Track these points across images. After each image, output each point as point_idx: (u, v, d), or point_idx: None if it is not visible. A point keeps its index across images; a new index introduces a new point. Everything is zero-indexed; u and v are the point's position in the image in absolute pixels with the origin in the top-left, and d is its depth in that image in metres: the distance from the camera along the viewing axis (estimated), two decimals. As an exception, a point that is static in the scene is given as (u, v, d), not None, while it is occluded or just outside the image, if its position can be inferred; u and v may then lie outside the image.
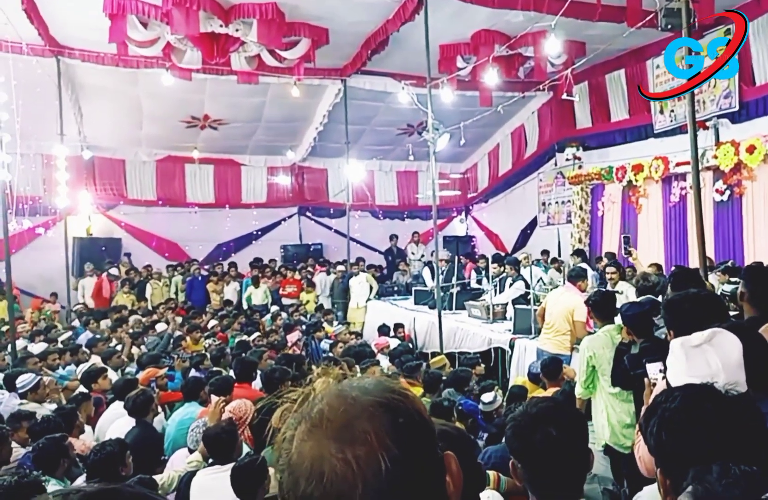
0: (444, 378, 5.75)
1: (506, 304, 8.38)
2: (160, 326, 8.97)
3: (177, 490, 3.60)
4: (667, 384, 1.91)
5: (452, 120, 9.37)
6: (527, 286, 8.06)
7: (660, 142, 10.63)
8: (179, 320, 9.82)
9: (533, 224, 14.22)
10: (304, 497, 0.74)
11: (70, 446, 3.82)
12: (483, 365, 6.80)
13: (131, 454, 3.63)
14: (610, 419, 4.29)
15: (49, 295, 12.08)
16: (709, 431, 1.37)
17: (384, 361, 7.27)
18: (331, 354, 8.02)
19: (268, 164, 15.01)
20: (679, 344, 1.86)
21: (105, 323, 10.00)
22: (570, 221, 12.78)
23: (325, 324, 9.88)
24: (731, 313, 3.52)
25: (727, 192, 9.42)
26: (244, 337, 8.65)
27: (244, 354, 6.81)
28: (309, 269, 13.63)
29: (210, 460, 3.69)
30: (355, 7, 8.66)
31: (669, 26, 6.00)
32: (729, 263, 8.09)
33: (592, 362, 4.38)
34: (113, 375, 6.30)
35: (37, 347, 7.74)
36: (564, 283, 6.90)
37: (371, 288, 11.64)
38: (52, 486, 3.37)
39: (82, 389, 5.80)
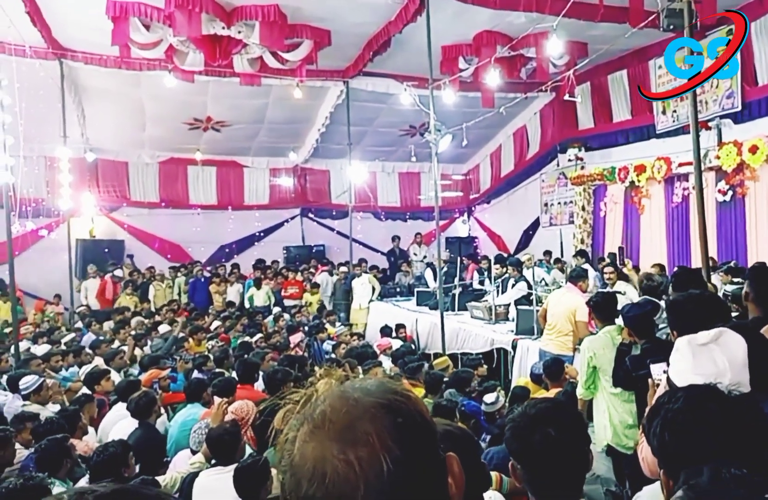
0: (446, 379, 5.75)
1: (509, 305, 8.38)
2: (163, 328, 8.98)
3: (179, 491, 3.61)
4: (668, 381, 1.91)
5: (454, 121, 9.38)
6: (529, 287, 8.05)
7: (662, 142, 10.63)
8: (181, 321, 9.82)
9: (536, 224, 14.21)
10: (306, 498, 0.75)
11: (72, 447, 3.82)
12: (486, 366, 6.79)
13: (134, 455, 3.64)
14: (612, 419, 4.28)
15: (53, 297, 12.11)
16: (712, 432, 1.37)
17: (386, 362, 7.27)
18: (333, 355, 8.02)
19: (271, 165, 15.03)
20: (686, 342, 1.86)
21: (108, 325, 10.02)
22: (572, 222, 12.77)
23: (327, 325, 9.88)
24: (733, 314, 3.51)
25: (730, 192, 9.41)
26: (247, 338, 8.65)
27: (246, 356, 6.81)
28: (311, 270, 13.64)
29: (212, 461, 3.69)
30: (356, 8, 8.67)
31: (671, 27, 6.00)
32: (732, 264, 8.10)
33: (593, 362, 4.38)
34: (116, 377, 6.31)
35: (40, 349, 7.75)
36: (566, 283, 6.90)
37: (374, 289, 11.64)
38: (56, 487, 3.38)
39: (84, 390, 5.81)
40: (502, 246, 15.11)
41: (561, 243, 13.15)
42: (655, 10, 6.82)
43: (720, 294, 5.86)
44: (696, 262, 9.08)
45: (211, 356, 6.94)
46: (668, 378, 1.94)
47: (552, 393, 5.06)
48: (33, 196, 11.57)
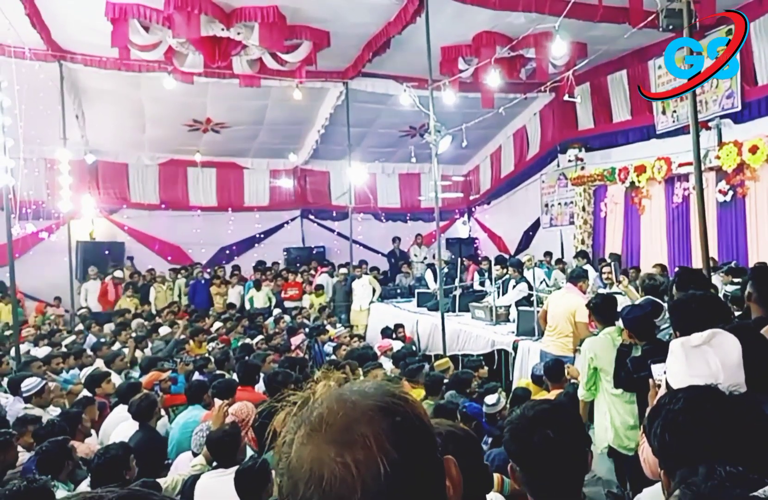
0: (446, 380, 5.74)
1: (509, 306, 8.37)
2: (164, 330, 8.98)
3: (181, 493, 3.61)
4: (666, 384, 1.91)
5: (454, 122, 9.38)
6: (530, 288, 8.05)
7: (662, 142, 10.62)
8: (182, 323, 9.82)
9: (536, 225, 14.21)
10: None
11: (73, 449, 3.82)
12: (486, 368, 6.78)
13: (135, 458, 3.63)
14: (613, 421, 4.27)
15: (53, 299, 12.10)
16: (712, 432, 1.37)
17: (387, 364, 7.27)
18: (334, 357, 8.02)
19: (271, 167, 15.03)
20: (680, 344, 1.86)
21: (108, 327, 10.02)
22: (573, 223, 12.77)
23: (328, 327, 9.88)
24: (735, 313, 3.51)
25: (730, 193, 9.40)
26: (247, 340, 8.65)
27: (247, 357, 6.81)
28: (311, 272, 13.64)
29: (214, 463, 3.69)
30: (356, 9, 8.68)
31: (670, 27, 5.99)
32: (732, 264, 8.09)
33: (593, 363, 4.37)
34: (117, 379, 6.30)
35: (41, 351, 7.75)
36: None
37: (374, 291, 11.64)
38: (58, 490, 3.37)
39: (85, 393, 5.81)
40: (502, 247, 15.11)
41: (561, 244, 13.15)
42: (654, 10, 6.82)
43: (720, 295, 5.87)
44: (696, 262, 9.08)
45: (212, 359, 6.94)
46: (666, 380, 1.94)
47: (553, 394, 5.05)
48: (33, 198, 11.58)
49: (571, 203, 12.84)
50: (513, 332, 7.64)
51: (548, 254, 12.46)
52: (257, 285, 12.26)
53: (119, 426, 4.82)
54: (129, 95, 11.26)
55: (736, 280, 6.66)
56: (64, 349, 8.16)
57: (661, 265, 8.87)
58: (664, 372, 2.88)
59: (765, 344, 1.98)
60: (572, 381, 5.20)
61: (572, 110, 12.67)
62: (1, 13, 7.69)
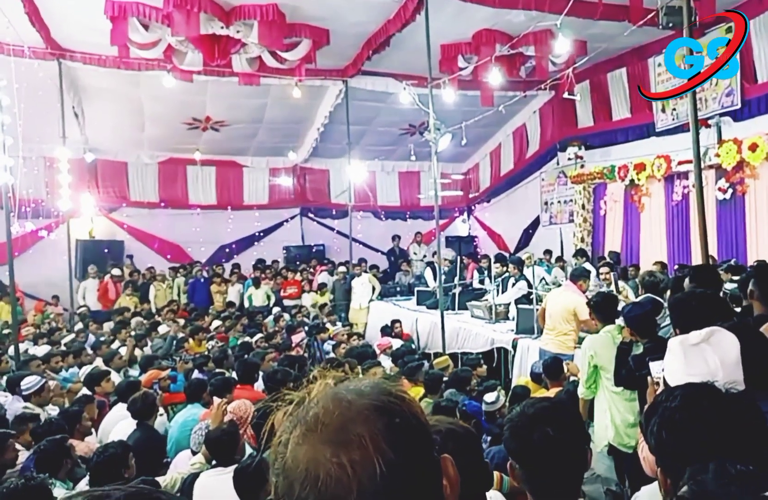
0: (445, 378, 5.74)
1: (509, 304, 8.37)
2: (163, 328, 8.98)
3: (180, 492, 3.60)
4: (665, 382, 1.91)
5: (454, 120, 9.37)
6: (530, 286, 8.05)
7: (662, 140, 10.61)
8: (182, 322, 9.83)
9: (536, 223, 14.20)
10: None
11: (71, 447, 3.82)
12: (485, 367, 6.78)
13: (134, 456, 3.63)
14: (613, 418, 4.27)
15: (51, 298, 12.09)
16: (709, 430, 1.37)
17: (387, 362, 7.27)
18: (333, 355, 8.02)
19: (270, 165, 15.02)
20: (678, 342, 1.86)
21: (108, 326, 10.02)
22: (572, 221, 12.77)
23: (328, 325, 9.88)
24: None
25: (730, 190, 9.40)
26: (247, 338, 8.65)
27: (246, 356, 6.81)
28: (310, 270, 13.64)
29: (213, 462, 3.69)
30: (355, 7, 8.66)
31: (670, 24, 6.00)
32: (732, 262, 8.07)
33: (593, 361, 4.37)
34: (116, 377, 6.31)
35: (40, 350, 7.75)
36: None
37: (374, 289, 11.63)
38: (56, 488, 3.37)
39: (84, 391, 5.81)
40: (502, 245, 15.10)
41: (561, 242, 13.15)
42: (654, 8, 6.82)
43: (719, 293, 5.86)
44: (696, 260, 9.07)
45: (212, 357, 6.94)
46: (664, 378, 1.94)
47: (552, 392, 5.06)
48: (32, 197, 11.61)
49: (571, 201, 12.83)
50: (512, 331, 7.63)
51: (548, 252, 12.46)
52: (256, 283, 12.26)
53: (118, 424, 4.83)
54: (128, 94, 11.24)
55: (735, 278, 6.65)
56: (63, 348, 8.16)
57: (662, 263, 8.88)
58: (662, 370, 2.89)
59: (763, 342, 1.98)
60: (572, 378, 5.20)
61: (572, 108, 12.66)
62: (0, 11, 7.68)
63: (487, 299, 8.95)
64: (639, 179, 10.87)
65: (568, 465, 1.57)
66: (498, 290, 8.58)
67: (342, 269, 12.68)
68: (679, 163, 9.79)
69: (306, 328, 9.42)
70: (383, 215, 15.72)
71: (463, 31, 9.57)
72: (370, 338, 9.79)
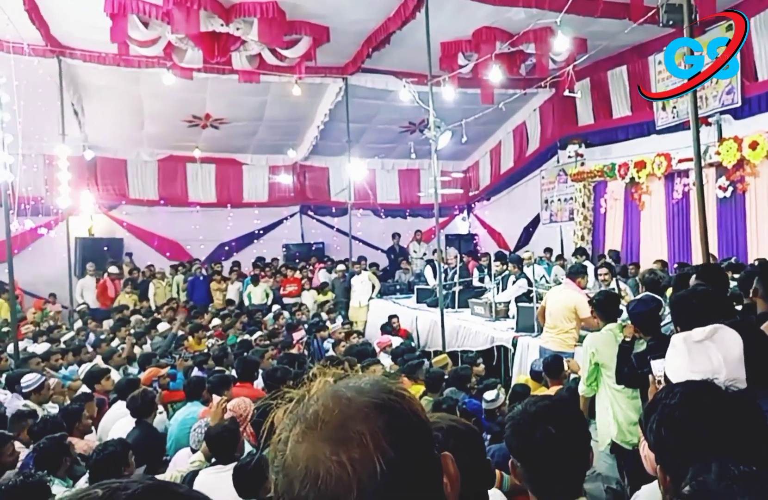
0: (446, 377, 5.73)
1: (509, 302, 8.37)
2: (163, 326, 8.98)
3: (180, 490, 3.59)
4: (666, 378, 1.90)
5: (454, 118, 9.36)
6: (530, 284, 8.04)
7: (662, 138, 10.61)
8: (179, 318, 9.81)
9: (536, 221, 14.20)
10: (298, 499, 0.74)
11: (70, 445, 3.82)
12: (483, 365, 6.75)
13: (133, 454, 3.63)
14: (616, 416, 4.26)
15: (48, 296, 12.07)
16: (708, 427, 1.37)
17: (386, 360, 7.26)
18: (333, 353, 8.02)
19: (270, 163, 15.01)
20: (682, 339, 1.86)
21: (107, 324, 10.02)
22: (573, 219, 12.76)
23: (328, 323, 9.87)
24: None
25: (730, 189, 9.39)
26: (246, 336, 8.65)
27: (246, 354, 6.80)
28: (310, 268, 13.63)
29: (212, 460, 3.69)
30: (355, 5, 8.65)
31: (670, 22, 6.00)
32: (732, 260, 8.08)
33: (594, 359, 4.36)
34: (115, 375, 6.30)
35: (40, 348, 7.75)
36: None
37: (373, 287, 11.62)
38: (55, 486, 3.37)
39: (84, 389, 5.80)
40: (502, 243, 15.10)
41: (561, 240, 13.14)
42: (654, 6, 6.81)
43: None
44: (696, 258, 9.07)
45: (212, 355, 6.94)
46: (666, 375, 1.94)
47: (552, 390, 5.05)
48: (32, 194, 11.60)
49: (571, 199, 12.82)
50: (512, 329, 7.62)
51: (548, 250, 12.44)
52: (255, 281, 12.25)
53: (118, 422, 4.83)
54: (128, 91, 11.22)
55: (735, 276, 6.65)
56: (62, 346, 8.16)
57: (662, 261, 8.88)
58: (665, 368, 2.89)
59: (765, 340, 1.98)
60: (572, 376, 5.19)
61: (572, 106, 12.65)
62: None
63: (487, 298, 8.94)
64: (639, 177, 10.86)
65: (570, 463, 1.57)
66: (498, 288, 8.58)
67: (341, 267, 12.67)
68: (680, 161, 9.78)
69: (306, 326, 9.42)
70: (383, 212, 15.71)
71: (464, 29, 9.55)
72: (369, 336, 9.78)
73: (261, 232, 14.95)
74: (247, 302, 12.05)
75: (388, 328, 9.13)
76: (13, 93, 7.63)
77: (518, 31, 8.96)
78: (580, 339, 5.74)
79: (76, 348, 7.72)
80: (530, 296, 7.84)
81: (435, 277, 9.80)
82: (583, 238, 12.33)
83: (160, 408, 5.28)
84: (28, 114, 8.35)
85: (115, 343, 8.29)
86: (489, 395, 4.90)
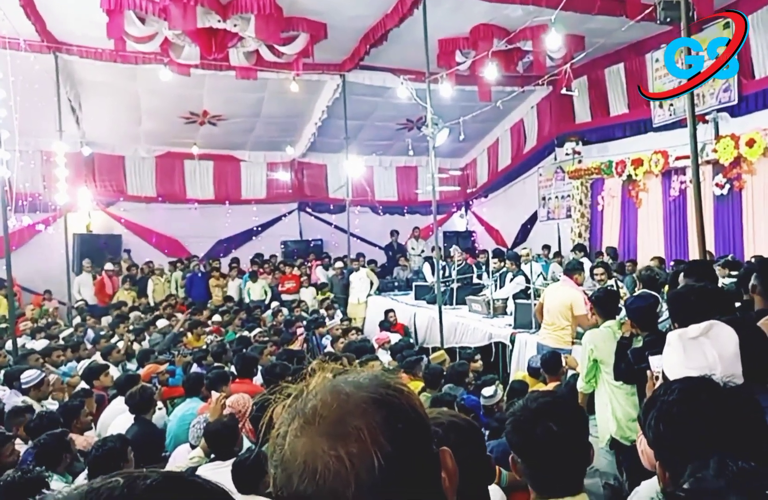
0: (444, 373, 5.75)
1: (507, 299, 8.38)
2: (161, 323, 8.98)
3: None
4: (663, 375, 1.91)
5: (451, 115, 9.36)
6: (528, 281, 8.06)
7: (659, 136, 10.61)
8: (180, 316, 9.82)
9: (533, 218, 14.20)
10: (297, 493, 0.74)
11: (71, 442, 3.82)
12: (481, 361, 6.78)
13: (132, 450, 3.64)
14: (615, 412, 4.27)
15: (44, 292, 12.05)
16: (707, 423, 1.38)
17: (385, 356, 7.28)
18: (331, 350, 8.03)
19: (268, 159, 14.99)
20: (677, 336, 1.87)
21: (106, 320, 10.02)
22: (570, 216, 12.77)
23: (326, 319, 9.88)
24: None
25: (727, 186, 9.40)
26: (245, 333, 8.65)
27: (244, 350, 6.81)
28: (308, 265, 13.63)
29: (211, 456, 3.70)
30: (353, 1, 8.64)
31: (668, 19, 5.99)
32: (729, 257, 8.10)
33: (593, 355, 4.38)
34: (114, 371, 6.31)
35: (38, 344, 7.74)
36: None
37: (372, 284, 11.63)
38: (54, 481, 3.38)
39: (83, 385, 5.81)
40: (500, 240, 15.10)
41: (559, 237, 13.15)
42: (651, 3, 6.81)
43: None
44: (693, 255, 9.07)
45: (211, 351, 6.94)
46: (663, 372, 1.95)
47: (550, 386, 5.07)
48: (29, 191, 11.58)
49: (569, 196, 12.83)
50: (510, 325, 7.65)
51: (546, 247, 12.46)
52: (253, 277, 12.26)
53: (117, 418, 4.83)
54: (125, 87, 11.19)
55: (733, 273, 6.67)
56: (61, 342, 8.16)
57: (659, 258, 8.90)
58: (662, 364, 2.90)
59: (761, 336, 1.99)
60: (571, 372, 5.21)
61: (569, 104, 12.64)
62: (-5, 4, 7.64)
63: (485, 294, 8.96)
64: (636, 175, 10.87)
65: (571, 460, 1.58)
66: (496, 285, 8.59)
67: (339, 264, 12.67)
68: (677, 158, 9.78)
69: (304, 322, 9.43)
70: (381, 210, 15.70)
71: (461, 26, 9.54)
72: (368, 332, 9.80)
73: (259, 229, 14.93)
74: (246, 299, 12.06)
75: (386, 324, 9.14)
76: (10, 89, 7.62)
77: (515, 28, 8.96)
78: (578, 336, 5.75)
79: (74, 345, 7.71)
80: (528, 293, 7.86)
81: (433, 274, 9.81)
82: (580, 235, 12.35)
83: (160, 404, 5.29)
84: (24, 110, 8.32)
85: (114, 340, 8.29)
86: (487, 391, 4.91)
